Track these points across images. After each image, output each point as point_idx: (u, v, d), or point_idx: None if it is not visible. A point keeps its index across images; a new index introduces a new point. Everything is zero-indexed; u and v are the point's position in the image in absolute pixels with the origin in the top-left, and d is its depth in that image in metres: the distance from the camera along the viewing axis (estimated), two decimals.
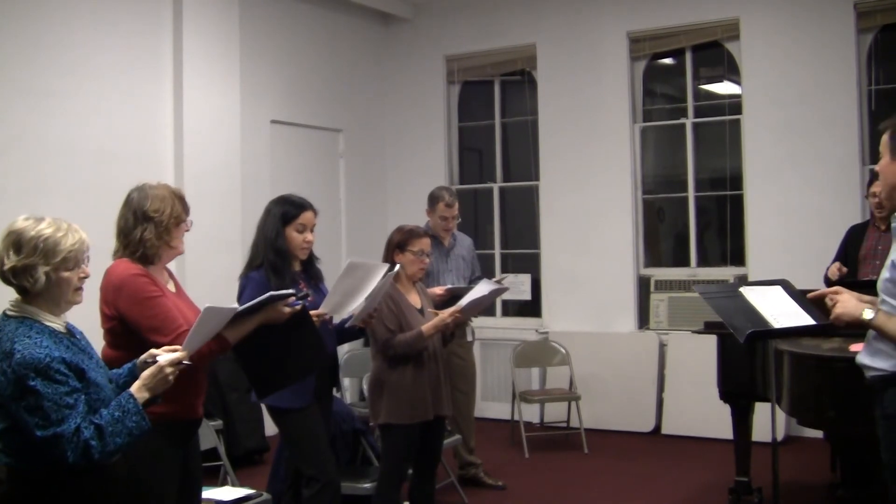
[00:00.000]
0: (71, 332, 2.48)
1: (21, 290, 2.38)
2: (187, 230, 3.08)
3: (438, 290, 4.85)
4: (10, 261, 2.34)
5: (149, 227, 2.92)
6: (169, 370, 2.46)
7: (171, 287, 3.06)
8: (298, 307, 3.10)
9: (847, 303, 2.79)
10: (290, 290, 3.11)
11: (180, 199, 3.02)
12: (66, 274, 2.39)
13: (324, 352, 3.40)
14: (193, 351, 2.66)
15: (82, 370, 2.36)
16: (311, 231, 3.82)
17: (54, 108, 5.47)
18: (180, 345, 2.69)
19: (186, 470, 2.98)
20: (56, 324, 2.41)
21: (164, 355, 2.52)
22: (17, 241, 2.35)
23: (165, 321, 2.85)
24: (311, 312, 3.56)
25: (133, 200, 2.97)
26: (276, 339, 3.09)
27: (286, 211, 3.78)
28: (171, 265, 3.18)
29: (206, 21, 6.31)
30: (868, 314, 2.72)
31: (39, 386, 2.25)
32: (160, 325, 2.84)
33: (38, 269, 2.34)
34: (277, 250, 3.73)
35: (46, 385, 2.26)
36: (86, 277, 2.46)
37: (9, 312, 2.39)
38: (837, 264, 5.01)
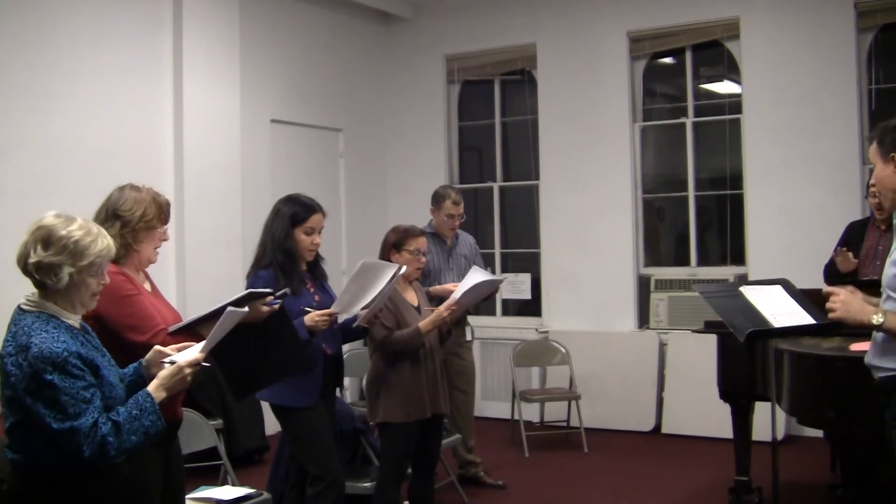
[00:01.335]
0: (85, 329, 2.49)
1: (40, 284, 2.38)
2: (164, 240, 3.05)
3: (451, 286, 4.84)
4: (37, 255, 2.34)
5: (115, 224, 2.90)
6: (188, 371, 2.48)
7: (147, 287, 3.04)
8: (276, 306, 3.09)
9: (850, 305, 2.69)
10: (269, 290, 3.10)
11: (160, 206, 2.99)
12: (88, 279, 2.39)
13: (303, 354, 3.38)
14: (208, 350, 2.64)
15: (97, 366, 2.38)
16: (319, 233, 3.82)
17: (54, 109, 5.47)
18: (158, 343, 2.68)
19: (167, 473, 2.94)
20: (71, 320, 2.42)
21: (182, 355, 2.53)
22: (47, 238, 2.35)
23: (143, 320, 2.84)
24: (323, 311, 3.58)
25: (110, 198, 2.98)
26: (255, 339, 3.06)
27: (296, 212, 3.76)
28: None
29: (206, 21, 6.31)
30: (877, 318, 2.61)
31: (56, 380, 2.26)
32: (137, 323, 2.83)
33: (64, 269, 2.34)
34: (286, 251, 3.72)
35: (63, 379, 2.26)
36: (104, 284, 2.47)
37: (24, 306, 2.39)
38: (848, 254, 4.84)
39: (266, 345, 3.12)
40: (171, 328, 2.88)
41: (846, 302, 2.70)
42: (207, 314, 2.88)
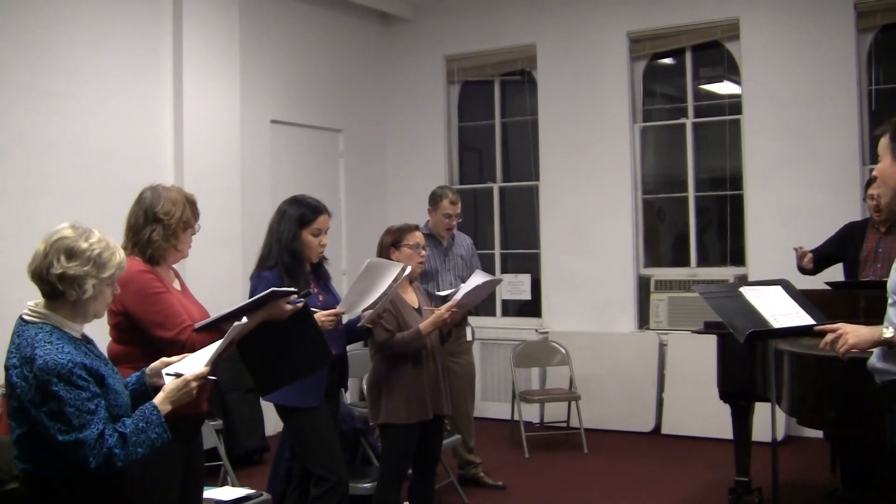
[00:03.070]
0: (87, 339, 2.50)
1: (56, 294, 2.37)
2: (194, 234, 3.11)
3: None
4: (61, 266, 2.34)
5: (157, 228, 2.97)
6: (194, 384, 2.51)
7: (176, 285, 3.10)
8: (300, 305, 3.10)
9: (859, 331, 2.70)
10: (292, 288, 3.11)
11: (192, 204, 3.08)
12: (106, 289, 2.43)
13: (326, 350, 3.41)
14: (213, 363, 2.65)
15: (102, 376, 2.38)
16: (326, 234, 3.82)
17: (55, 109, 5.47)
18: (184, 340, 2.78)
19: (189, 467, 2.98)
20: (74, 331, 2.43)
21: (186, 367, 2.56)
22: (70, 249, 2.35)
23: (170, 317, 2.89)
24: (329, 311, 3.58)
25: (145, 200, 3.02)
26: (280, 336, 3.10)
27: (303, 214, 3.76)
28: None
29: (206, 21, 6.31)
30: (888, 332, 2.62)
31: (62, 391, 2.26)
32: (164, 320, 2.88)
33: (89, 280, 2.36)
34: (293, 252, 3.72)
35: (69, 390, 2.27)
36: (116, 294, 2.51)
37: (27, 317, 2.39)
38: (808, 256, 5.10)
39: (291, 342, 3.17)
40: (197, 325, 2.93)
41: (853, 328, 2.71)
42: (232, 311, 2.93)
